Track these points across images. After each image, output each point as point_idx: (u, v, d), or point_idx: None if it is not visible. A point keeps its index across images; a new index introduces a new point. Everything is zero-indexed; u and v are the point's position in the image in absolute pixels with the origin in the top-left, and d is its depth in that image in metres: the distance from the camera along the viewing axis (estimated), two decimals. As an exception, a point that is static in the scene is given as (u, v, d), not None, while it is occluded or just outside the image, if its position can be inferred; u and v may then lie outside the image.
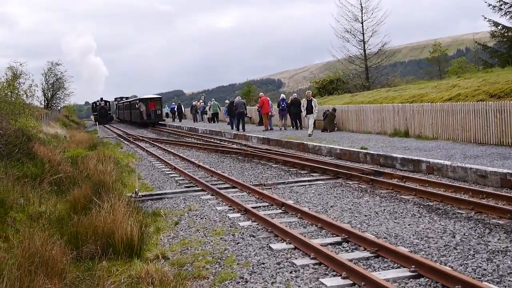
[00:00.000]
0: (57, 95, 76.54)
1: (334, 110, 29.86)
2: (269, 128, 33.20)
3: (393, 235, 8.81)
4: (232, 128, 36.48)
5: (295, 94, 37.03)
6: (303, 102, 28.62)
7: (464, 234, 8.58)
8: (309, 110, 27.96)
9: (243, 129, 34.45)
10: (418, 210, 10.51)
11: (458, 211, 10.20)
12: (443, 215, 10.00)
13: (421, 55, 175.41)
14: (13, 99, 24.23)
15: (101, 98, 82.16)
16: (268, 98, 35.94)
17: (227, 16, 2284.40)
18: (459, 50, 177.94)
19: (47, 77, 71.19)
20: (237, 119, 35.41)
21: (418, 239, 8.47)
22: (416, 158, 15.58)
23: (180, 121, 59.79)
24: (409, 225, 9.42)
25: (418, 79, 51.51)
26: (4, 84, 24.74)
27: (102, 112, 77.62)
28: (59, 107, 78.21)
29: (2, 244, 7.94)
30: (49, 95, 73.65)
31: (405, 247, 8.03)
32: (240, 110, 34.85)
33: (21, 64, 29.47)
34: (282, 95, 35.10)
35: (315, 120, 31.93)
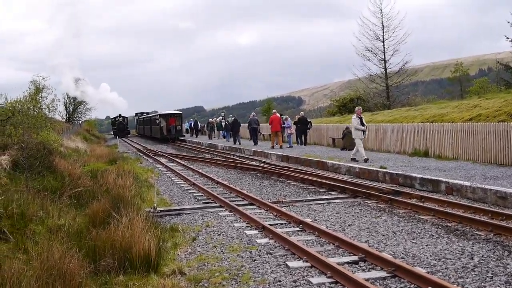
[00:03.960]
0: (79, 110, 77.48)
1: (347, 128, 29.87)
2: (288, 146, 33.48)
3: (411, 255, 8.77)
4: (234, 143, 39.53)
5: (302, 113, 38.80)
6: (356, 121, 22.54)
7: (482, 256, 8.52)
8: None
9: (256, 143, 37.41)
10: (436, 231, 10.45)
11: (477, 233, 10.13)
12: (462, 236, 9.94)
13: (443, 75, 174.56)
14: (35, 112, 24.49)
15: (120, 115, 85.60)
16: (286, 116, 36.74)
17: (247, 33, 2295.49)
18: (481, 70, 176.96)
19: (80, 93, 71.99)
20: (251, 134, 38.70)
21: (435, 260, 8.42)
22: (435, 178, 15.50)
23: (196, 136, 60.62)
24: (426, 245, 9.36)
25: (439, 99, 51.24)
26: (27, 98, 25.02)
27: (120, 127, 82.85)
28: (80, 121, 79.04)
29: (21, 256, 8.01)
30: (71, 109, 74.46)
31: (422, 267, 7.98)
32: (254, 126, 38.07)
33: (43, 78, 29.78)
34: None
35: (334, 139, 32.00)
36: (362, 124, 22.57)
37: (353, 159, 22.34)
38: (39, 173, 14.78)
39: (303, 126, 34.90)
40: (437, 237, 9.94)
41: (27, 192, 11.74)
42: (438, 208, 12.23)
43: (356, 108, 23.96)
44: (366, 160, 21.57)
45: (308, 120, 36.47)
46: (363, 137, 22.56)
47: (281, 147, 32.94)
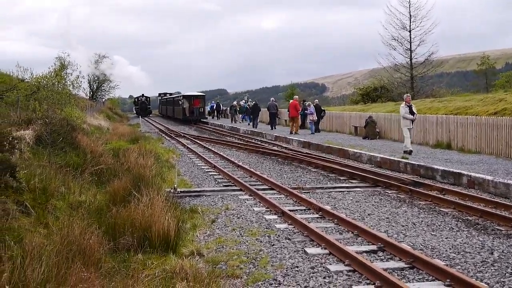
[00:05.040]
0: (102, 87, 77.92)
1: (370, 117, 29.68)
2: (310, 133, 33.37)
3: (430, 247, 8.72)
4: (254, 127, 39.97)
5: (317, 101, 39.12)
6: (404, 110, 21.04)
7: (502, 251, 8.45)
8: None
9: (274, 127, 38.15)
10: (457, 224, 10.38)
11: (498, 228, 10.05)
12: (482, 231, 9.86)
13: (469, 67, 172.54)
14: (59, 88, 24.67)
15: (142, 94, 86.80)
16: (309, 103, 36.91)
17: (273, 17, 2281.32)
18: (507, 64, 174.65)
19: (94, 69, 72.42)
20: (270, 118, 39.61)
21: (454, 253, 8.37)
22: (457, 171, 15.37)
23: (218, 119, 61.03)
24: (446, 238, 9.31)
25: (464, 91, 50.79)
26: (52, 74, 25.21)
27: (142, 106, 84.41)
28: (103, 99, 79.46)
29: (42, 230, 8.09)
30: (95, 86, 74.89)
31: (441, 260, 7.94)
32: (272, 111, 39.08)
33: (68, 55, 30.05)
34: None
35: (356, 127, 31.83)
36: (412, 113, 20.98)
37: (406, 152, 20.44)
38: (61, 149, 14.89)
39: (316, 114, 35.02)
40: (457, 230, 9.88)
41: (50, 167, 11.83)
42: (459, 201, 12.14)
43: (405, 95, 22.31)
44: (410, 152, 20.41)
45: (322, 108, 36.76)
46: (411, 127, 21.21)
47: (291, 132, 33.01)
